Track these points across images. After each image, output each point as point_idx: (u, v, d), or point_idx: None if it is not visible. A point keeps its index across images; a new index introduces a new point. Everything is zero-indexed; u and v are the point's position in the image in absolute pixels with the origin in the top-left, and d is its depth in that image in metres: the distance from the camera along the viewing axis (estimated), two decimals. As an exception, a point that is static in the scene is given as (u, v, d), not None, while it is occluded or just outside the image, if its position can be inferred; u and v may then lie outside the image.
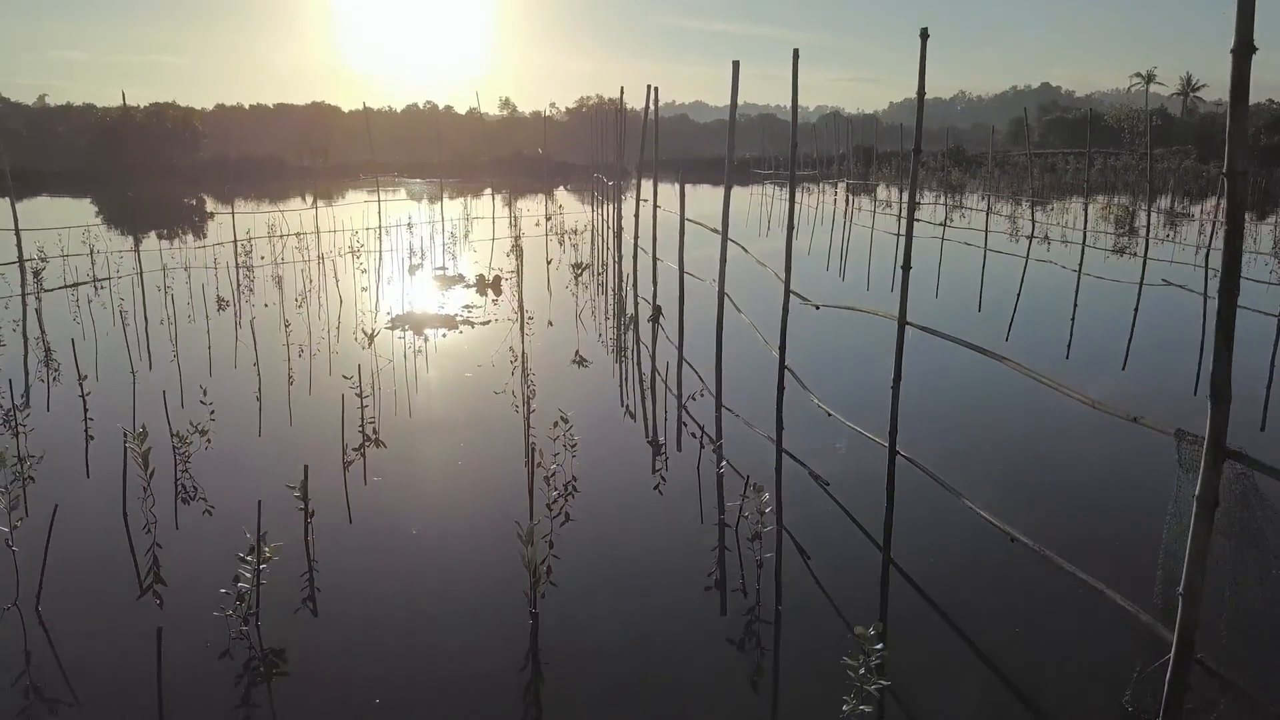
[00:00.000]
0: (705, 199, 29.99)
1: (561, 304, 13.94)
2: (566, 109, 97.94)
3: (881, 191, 40.76)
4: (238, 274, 16.14)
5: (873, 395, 8.63)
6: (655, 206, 13.18)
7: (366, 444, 7.19)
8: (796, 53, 6.61)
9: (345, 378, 7.07)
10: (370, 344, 8.27)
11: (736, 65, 8.61)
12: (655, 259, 13.06)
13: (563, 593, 4.85)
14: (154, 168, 50.25)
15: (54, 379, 9.43)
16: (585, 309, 13.40)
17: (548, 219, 25.40)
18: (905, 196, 4.85)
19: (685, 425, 8.00)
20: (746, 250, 9.81)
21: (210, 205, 37.78)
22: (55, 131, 63.36)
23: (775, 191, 44.08)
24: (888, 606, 4.94)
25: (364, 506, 6.16)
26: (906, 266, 5.23)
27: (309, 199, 33.00)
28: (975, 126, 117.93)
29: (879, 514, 5.96)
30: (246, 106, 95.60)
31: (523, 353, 7.98)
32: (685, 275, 11.31)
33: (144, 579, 5.12)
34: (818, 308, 7.10)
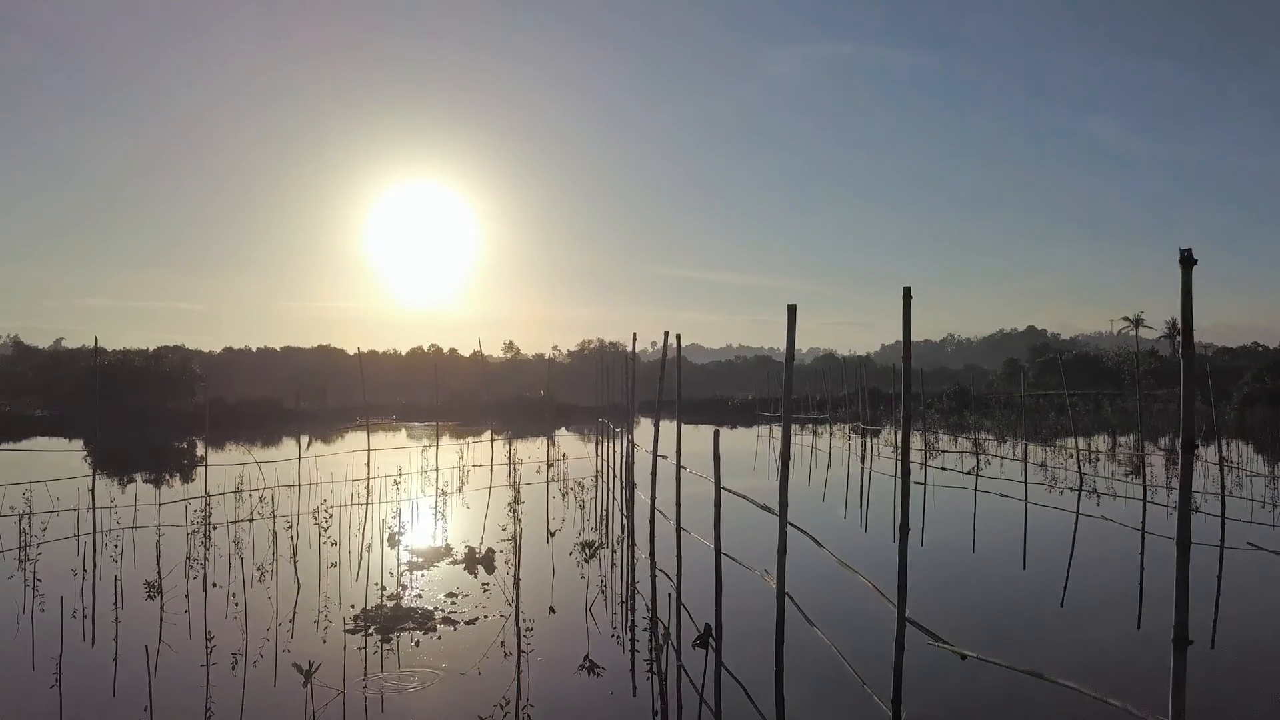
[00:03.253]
0: (709, 438, 28.23)
1: (565, 580, 11.67)
2: (569, 351, 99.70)
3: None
4: (188, 542, 13.89)
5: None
6: (679, 465, 11.16)
7: None
8: (908, 291, 5.02)
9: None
10: (308, 681, 5.99)
11: (793, 309, 7.15)
12: (679, 529, 10.79)
13: None
14: (146, 412, 49.27)
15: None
16: (595, 595, 11.04)
17: (550, 465, 23.53)
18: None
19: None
20: (820, 544, 7.69)
21: (200, 449, 36.13)
22: (61, 375, 63.05)
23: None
24: None
25: None
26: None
27: (304, 442, 31.35)
28: (967, 367, 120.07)
29: None
30: (254, 349, 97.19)
31: (517, 688, 5.69)
32: (723, 558, 9.11)
33: None
34: (964, 658, 4.84)
